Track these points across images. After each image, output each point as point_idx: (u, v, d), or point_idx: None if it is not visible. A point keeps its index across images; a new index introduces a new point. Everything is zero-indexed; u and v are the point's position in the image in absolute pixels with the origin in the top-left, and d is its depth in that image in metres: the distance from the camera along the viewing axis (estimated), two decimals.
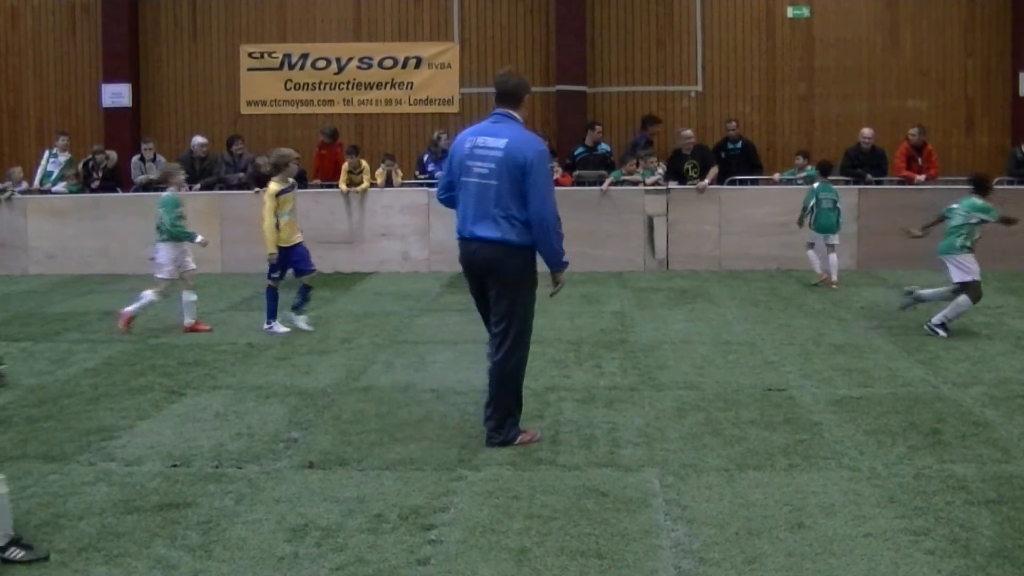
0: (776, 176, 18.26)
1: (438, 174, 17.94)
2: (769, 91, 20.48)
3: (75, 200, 17.84)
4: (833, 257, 14.89)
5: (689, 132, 17.87)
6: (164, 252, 11.61)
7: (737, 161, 18.20)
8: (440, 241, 17.18)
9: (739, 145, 18.36)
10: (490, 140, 6.96)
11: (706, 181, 17.13)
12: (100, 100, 20.67)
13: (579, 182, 17.54)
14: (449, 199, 7.30)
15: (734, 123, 18.64)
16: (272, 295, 11.69)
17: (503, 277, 6.97)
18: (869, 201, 16.93)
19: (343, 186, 17.39)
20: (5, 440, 7.41)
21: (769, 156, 19.82)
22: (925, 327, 11.08)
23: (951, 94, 20.31)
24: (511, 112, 7.13)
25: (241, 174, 17.99)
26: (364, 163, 17.69)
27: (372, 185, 17.65)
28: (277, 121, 20.90)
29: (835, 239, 14.91)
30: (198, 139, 18.45)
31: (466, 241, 7.06)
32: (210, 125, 19.98)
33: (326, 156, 18.70)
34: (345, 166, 17.52)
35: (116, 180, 18.65)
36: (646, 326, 11.88)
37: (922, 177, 17.28)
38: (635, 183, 17.25)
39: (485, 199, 6.91)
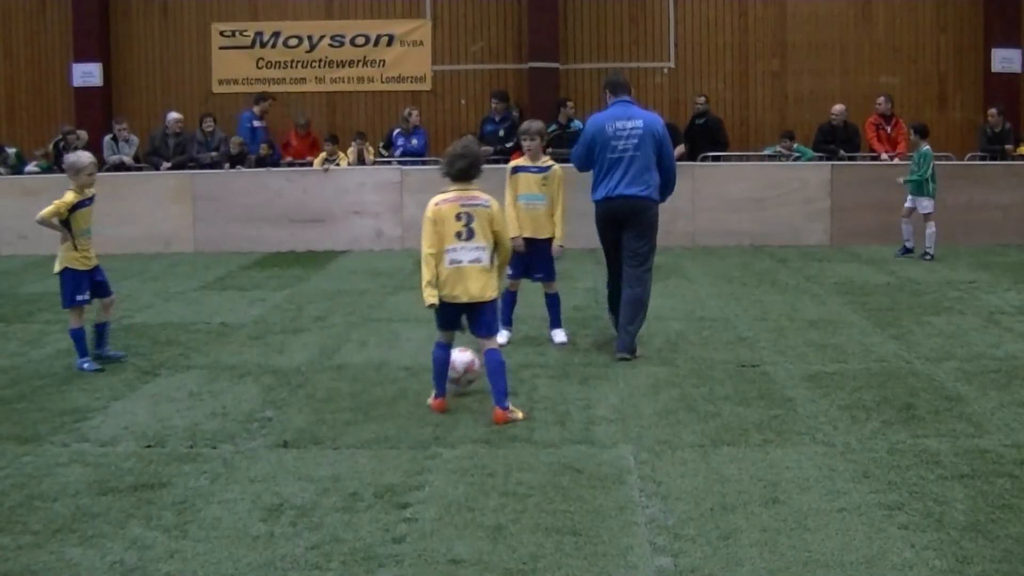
0: (768, 151, 18.43)
1: (402, 150, 18.13)
2: (742, 67, 20.44)
3: (46, 180, 17.58)
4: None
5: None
6: None
7: (702, 137, 18.18)
8: (413, 218, 17.03)
9: (703, 121, 18.36)
10: (627, 123, 8.97)
11: None
12: (71, 79, 20.45)
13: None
14: (588, 168, 9.33)
15: (703, 98, 18.64)
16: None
17: (644, 222, 9.06)
18: (842, 177, 16.95)
19: (319, 164, 17.65)
20: None
21: (742, 132, 19.91)
22: None
23: (923, 70, 20.33)
24: (631, 98, 9.23)
25: (213, 153, 17.87)
26: (338, 151, 17.88)
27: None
28: (249, 100, 20.71)
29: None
30: (173, 115, 18.31)
31: (613, 200, 9.00)
32: (182, 104, 19.73)
33: (302, 144, 18.85)
34: (323, 155, 17.78)
35: None
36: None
37: (893, 156, 17.30)
38: None
39: (632, 168, 8.92)
